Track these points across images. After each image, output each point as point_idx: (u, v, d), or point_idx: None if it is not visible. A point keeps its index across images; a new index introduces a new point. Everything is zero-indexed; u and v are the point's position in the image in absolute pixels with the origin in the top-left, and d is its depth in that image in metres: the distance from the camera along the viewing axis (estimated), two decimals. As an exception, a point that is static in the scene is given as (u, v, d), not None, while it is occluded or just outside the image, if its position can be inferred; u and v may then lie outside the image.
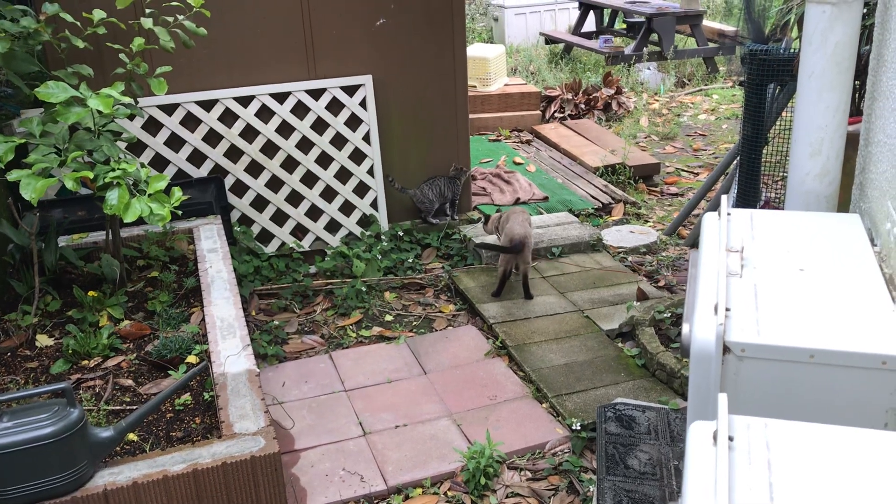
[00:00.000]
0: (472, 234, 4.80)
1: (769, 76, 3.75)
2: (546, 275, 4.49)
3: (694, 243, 4.88)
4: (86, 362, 3.00)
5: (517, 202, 5.41)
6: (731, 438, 1.36)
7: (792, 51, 3.70)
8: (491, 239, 4.56)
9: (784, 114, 3.99)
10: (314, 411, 3.39)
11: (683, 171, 6.30)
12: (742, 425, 1.41)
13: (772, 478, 1.29)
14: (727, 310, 1.81)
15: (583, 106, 7.54)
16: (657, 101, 8.15)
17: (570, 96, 7.56)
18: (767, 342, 1.72)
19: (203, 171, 4.41)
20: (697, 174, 6.21)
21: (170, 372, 2.93)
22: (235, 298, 3.24)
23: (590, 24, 9.99)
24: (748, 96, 3.85)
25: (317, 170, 4.62)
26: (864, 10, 2.52)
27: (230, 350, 2.85)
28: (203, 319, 3.17)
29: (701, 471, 1.30)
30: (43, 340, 3.12)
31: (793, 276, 1.99)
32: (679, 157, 6.64)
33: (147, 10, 3.48)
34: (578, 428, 3.14)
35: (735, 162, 4.38)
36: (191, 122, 4.35)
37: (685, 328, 1.89)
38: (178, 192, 2.85)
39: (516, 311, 4.10)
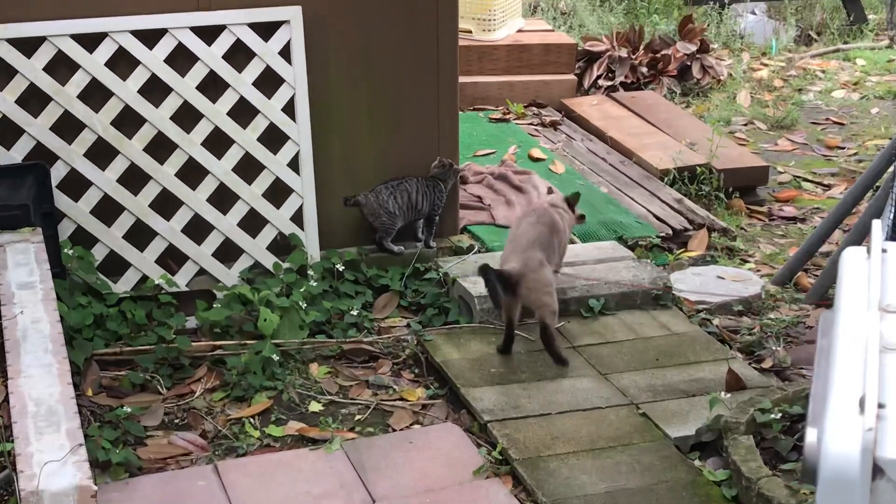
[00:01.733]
0: (458, 273, 4.78)
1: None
2: (579, 343, 4.47)
3: (823, 298, 4.89)
4: None
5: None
6: None
7: None
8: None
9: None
10: (185, 560, 3.35)
11: (806, 180, 6.35)
12: None
13: None
14: (881, 406, 1.80)
15: (644, 70, 7.60)
16: (766, 65, 8.23)
17: (624, 53, 7.63)
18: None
19: (16, 155, 4.38)
20: (829, 187, 6.26)
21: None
22: (61, 367, 3.19)
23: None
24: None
25: (205, 158, 4.60)
26: None
27: (50, 453, 2.80)
28: (6, 399, 3.12)
29: None
30: None
31: None
32: (800, 158, 6.70)
33: None
34: None
35: (891, 170, 4.41)
36: (-1, 71, 4.34)
37: (810, 436, 1.89)
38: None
39: (527, 400, 4.07)
